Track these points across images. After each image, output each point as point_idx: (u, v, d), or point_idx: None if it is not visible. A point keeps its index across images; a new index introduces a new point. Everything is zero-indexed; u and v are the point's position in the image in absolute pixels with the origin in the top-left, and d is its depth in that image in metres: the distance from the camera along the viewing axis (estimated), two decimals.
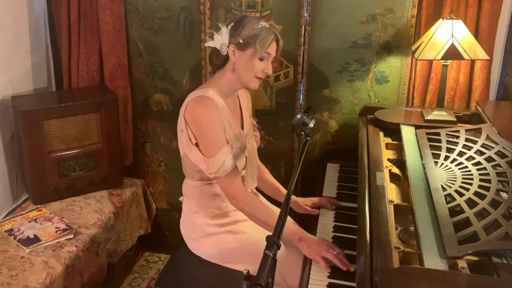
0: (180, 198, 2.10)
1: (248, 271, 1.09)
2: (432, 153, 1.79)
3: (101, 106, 2.51)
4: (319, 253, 1.67)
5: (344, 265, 1.62)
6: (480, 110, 2.12)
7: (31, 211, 2.38)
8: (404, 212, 1.59)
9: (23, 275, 1.95)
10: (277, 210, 2.09)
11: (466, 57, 2.04)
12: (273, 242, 1.16)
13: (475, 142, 1.79)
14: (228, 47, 1.82)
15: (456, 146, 1.80)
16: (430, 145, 1.86)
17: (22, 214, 2.35)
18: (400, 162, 1.91)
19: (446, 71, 2.17)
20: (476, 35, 2.24)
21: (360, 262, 1.38)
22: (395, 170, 1.85)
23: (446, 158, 1.75)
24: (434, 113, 2.17)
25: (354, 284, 1.47)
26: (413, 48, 2.23)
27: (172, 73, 2.67)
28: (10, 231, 2.21)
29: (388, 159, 1.94)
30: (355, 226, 1.60)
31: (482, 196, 1.47)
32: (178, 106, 1.91)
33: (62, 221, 2.29)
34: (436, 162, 1.73)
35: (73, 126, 2.47)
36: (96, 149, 2.56)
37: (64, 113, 2.43)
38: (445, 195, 1.52)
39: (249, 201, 1.88)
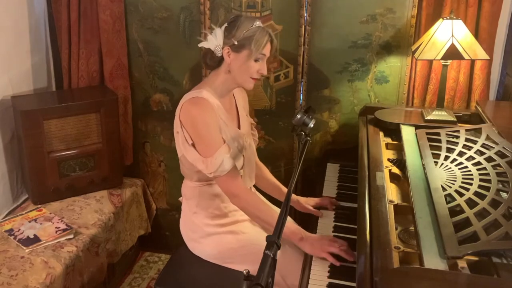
0: (180, 199, 2.10)
1: (248, 271, 1.09)
2: (432, 153, 1.79)
3: (101, 106, 2.51)
4: (324, 250, 1.67)
5: (351, 256, 1.64)
6: (480, 110, 2.12)
7: (31, 211, 2.38)
8: (404, 212, 1.59)
9: (23, 275, 1.95)
10: (278, 209, 2.09)
11: (466, 57, 2.04)
12: (273, 242, 1.16)
13: (475, 142, 1.79)
14: (222, 48, 1.81)
15: (456, 146, 1.80)
16: (430, 145, 1.86)
17: (22, 214, 2.35)
18: (400, 162, 1.91)
19: (446, 71, 2.17)
20: (476, 35, 2.24)
21: (360, 262, 1.38)
22: (395, 170, 1.85)
23: (446, 158, 1.75)
24: (434, 113, 2.17)
25: (354, 284, 1.46)
26: (413, 48, 2.23)
27: (172, 73, 2.67)
28: (10, 231, 2.21)
29: (388, 159, 1.94)
30: (355, 226, 1.60)
31: (482, 196, 1.47)
32: None
33: (62, 221, 2.29)
34: (436, 162, 1.73)
35: (73, 126, 2.47)
36: (96, 149, 2.55)
37: (64, 113, 2.43)
38: (445, 195, 1.52)
39: (250, 199, 1.88)
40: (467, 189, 1.52)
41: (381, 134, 2.15)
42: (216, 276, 1.90)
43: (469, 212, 1.41)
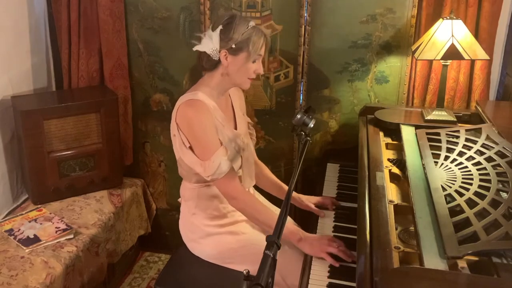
0: (179, 200, 2.10)
1: (248, 271, 1.09)
2: (432, 153, 1.79)
3: (101, 106, 2.51)
4: (324, 250, 1.68)
5: (349, 256, 1.65)
6: (480, 110, 2.12)
7: (31, 211, 2.38)
8: (404, 212, 1.59)
9: (23, 275, 1.95)
10: (277, 210, 2.09)
11: (466, 57, 2.04)
12: (273, 242, 1.16)
13: (475, 142, 1.79)
14: (219, 52, 1.80)
15: (456, 146, 1.80)
16: (430, 145, 1.86)
17: (22, 214, 2.35)
18: (400, 162, 1.91)
19: (446, 71, 2.17)
20: (476, 35, 2.24)
21: (360, 262, 1.38)
22: (395, 170, 1.85)
23: (446, 158, 1.75)
24: (434, 113, 2.17)
25: (354, 284, 1.46)
26: (413, 48, 2.23)
27: (172, 73, 2.67)
28: (10, 231, 2.21)
29: (388, 159, 1.94)
30: (355, 226, 1.60)
31: (482, 196, 1.47)
32: None
33: (62, 221, 2.29)
34: (436, 162, 1.73)
35: (73, 126, 2.47)
36: (96, 149, 2.55)
37: (64, 113, 2.43)
38: (445, 195, 1.52)
39: (248, 201, 1.88)
40: (467, 189, 1.52)
41: (381, 134, 2.15)
42: (216, 276, 1.90)
43: (469, 212, 1.41)
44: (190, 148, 1.83)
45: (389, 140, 2.11)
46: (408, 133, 2.04)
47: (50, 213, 2.36)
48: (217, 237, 1.94)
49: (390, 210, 1.55)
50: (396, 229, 1.50)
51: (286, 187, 2.10)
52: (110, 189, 2.63)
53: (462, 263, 1.26)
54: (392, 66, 2.44)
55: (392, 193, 1.71)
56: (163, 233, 2.99)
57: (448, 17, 2.08)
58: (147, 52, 2.66)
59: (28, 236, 2.17)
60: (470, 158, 1.71)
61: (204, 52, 1.82)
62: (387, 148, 2.06)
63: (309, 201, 2.06)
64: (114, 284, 2.66)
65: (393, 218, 1.52)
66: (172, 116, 1.87)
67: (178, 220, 2.09)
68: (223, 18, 1.82)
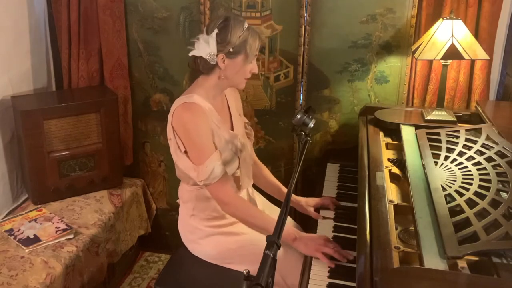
0: (178, 201, 2.09)
1: (248, 271, 1.09)
2: (432, 153, 1.79)
3: (101, 106, 2.51)
4: (319, 249, 1.67)
5: (343, 257, 1.65)
6: (480, 110, 2.12)
7: (31, 211, 2.38)
8: (404, 212, 1.59)
9: (23, 275, 1.95)
10: (276, 210, 2.09)
11: (466, 57, 2.04)
12: (273, 242, 1.16)
13: (475, 142, 1.79)
14: (217, 56, 1.79)
15: (456, 146, 1.80)
16: (430, 145, 1.86)
17: (22, 214, 2.35)
18: (400, 162, 1.91)
19: (446, 71, 2.17)
20: (476, 35, 2.24)
21: (360, 262, 1.38)
22: (395, 170, 1.85)
23: (446, 158, 1.75)
24: (434, 113, 2.17)
25: (354, 284, 1.46)
26: (413, 48, 2.23)
27: (172, 73, 2.67)
28: (10, 231, 2.21)
29: (388, 159, 1.94)
30: (355, 226, 1.60)
31: (482, 196, 1.47)
32: None
33: (62, 221, 2.29)
34: (436, 162, 1.73)
35: (73, 126, 2.47)
36: (96, 149, 2.55)
37: (64, 113, 2.43)
38: (445, 195, 1.52)
39: (240, 205, 1.87)
40: (467, 189, 1.52)
41: (381, 134, 2.15)
42: (216, 276, 1.90)
43: (469, 212, 1.41)
44: (185, 152, 1.83)
45: (389, 140, 2.11)
46: (408, 133, 2.04)
47: (50, 213, 2.36)
48: (216, 238, 1.94)
49: (390, 210, 1.55)
50: (396, 229, 1.50)
51: (285, 189, 2.09)
52: (110, 189, 2.63)
53: (462, 263, 1.26)
54: (392, 66, 2.44)
55: (392, 193, 1.71)
56: (163, 233, 2.99)
57: (448, 17, 2.08)
58: (147, 52, 2.66)
59: (28, 236, 2.17)
60: (470, 158, 1.71)
61: (201, 56, 1.81)
62: (387, 148, 2.06)
63: (308, 204, 2.06)
64: (114, 284, 2.66)
65: (393, 218, 1.52)
66: (168, 119, 1.87)
67: (178, 220, 2.09)
68: (217, 21, 1.80)
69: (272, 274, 1.11)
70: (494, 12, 2.24)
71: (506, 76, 2.30)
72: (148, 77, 2.71)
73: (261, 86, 2.58)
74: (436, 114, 2.16)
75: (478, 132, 1.88)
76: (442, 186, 1.57)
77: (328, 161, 2.44)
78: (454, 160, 1.72)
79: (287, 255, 1.80)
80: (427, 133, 1.96)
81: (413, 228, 1.50)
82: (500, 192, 1.49)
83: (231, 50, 1.78)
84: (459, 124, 2.10)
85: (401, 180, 1.81)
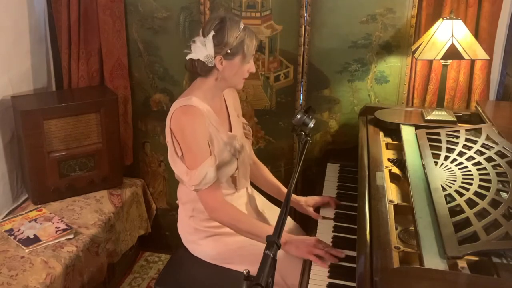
0: (177, 202, 2.09)
1: (248, 271, 1.09)
2: (432, 153, 1.79)
3: (101, 106, 2.51)
4: (310, 251, 1.67)
5: (334, 258, 1.64)
6: (480, 110, 2.12)
7: (31, 211, 2.38)
8: (404, 212, 1.59)
9: (23, 275, 1.95)
10: (276, 210, 2.09)
11: (466, 57, 2.04)
12: (273, 242, 1.16)
13: (475, 142, 1.79)
14: (214, 58, 1.78)
15: (456, 146, 1.80)
16: (430, 145, 1.86)
17: (22, 214, 2.35)
18: (400, 162, 1.91)
19: (446, 71, 2.17)
20: (476, 35, 2.24)
21: (360, 262, 1.38)
22: (395, 170, 1.85)
23: (446, 158, 1.75)
24: (434, 113, 2.17)
25: (354, 284, 1.47)
26: (413, 48, 2.23)
27: (172, 73, 2.67)
28: (10, 231, 2.21)
29: (388, 159, 1.94)
30: (355, 226, 1.60)
31: (482, 196, 1.47)
32: None
33: (62, 221, 2.29)
34: (436, 162, 1.73)
35: (73, 126, 2.47)
36: (96, 149, 2.55)
37: (64, 113, 2.43)
38: (445, 195, 1.52)
39: (229, 211, 1.85)
40: (467, 189, 1.52)
41: (381, 134, 2.15)
42: (216, 276, 1.90)
43: (469, 212, 1.41)
44: (181, 157, 1.83)
45: (389, 140, 2.11)
46: (408, 133, 2.04)
47: (50, 213, 2.36)
48: (216, 238, 1.94)
49: (390, 210, 1.55)
50: (396, 229, 1.50)
51: (285, 189, 2.09)
52: (110, 189, 2.63)
53: (462, 263, 1.26)
54: (392, 66, 2.44)
55: (392, 193, 1.71)
56: (163, 233, 2.99)
57: (448, 17, 2.08)
58: (147, 52, 2.66)
59: (28, 236, 2.17)
60: (470, 158, 1.71)
61: (198, 59, 1.81)
62: (387, 148, 2.06)
63: (307, 204, 2.05)
64: (114, 284, 2.66)
65: (393, 218, 1.52)
66: (167, 122, 1.87)
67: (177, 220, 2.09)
68: (213, 23, 1.80)
69: (272, 274, 1.11)
70: (494, 12, 2.24)
71: (506, 76, 2.30)
72: (148, 77, 2.71)
73: (261, 86, 2.58)
74: (436, 114, 2.16)
75: (478, 132, 1.88)
76: (442, 186, 1.57)
77: (328, 161, 2.44)
78: (454, 160, 1.72)
79: (287, 255, 1.80)
80: (427, 133, 1.96)
81: (413, 228, 1.50)
82: (500, 192, 1.49)
83: (229, 51, 1.78)
84: (459, 124, 2.10)
85: (401, 180, 1.81)
